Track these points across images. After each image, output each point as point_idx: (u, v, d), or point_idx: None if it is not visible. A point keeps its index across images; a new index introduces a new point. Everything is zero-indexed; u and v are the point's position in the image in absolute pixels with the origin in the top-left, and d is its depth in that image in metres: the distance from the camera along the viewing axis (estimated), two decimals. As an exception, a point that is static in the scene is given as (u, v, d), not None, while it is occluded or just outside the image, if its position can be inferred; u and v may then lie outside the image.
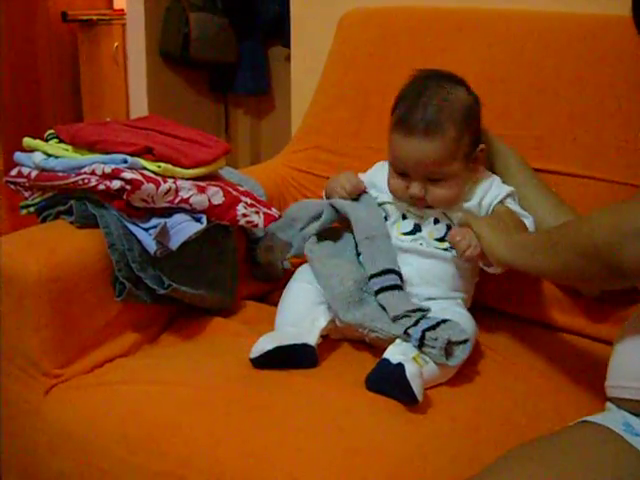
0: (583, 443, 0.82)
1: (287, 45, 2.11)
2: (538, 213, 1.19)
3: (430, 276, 1.16)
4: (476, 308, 1.20)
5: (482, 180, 1.21)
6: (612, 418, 0.86)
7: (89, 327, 1.13)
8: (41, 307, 1.07)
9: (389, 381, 0.98)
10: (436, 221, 1.19)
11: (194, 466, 0.92)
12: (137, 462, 0.96)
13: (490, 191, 1.20)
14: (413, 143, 1.13)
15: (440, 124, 1.12)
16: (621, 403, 0.89)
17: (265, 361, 1.05)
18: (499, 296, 1.31)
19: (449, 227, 1.18)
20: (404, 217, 1.21)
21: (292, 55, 2.03)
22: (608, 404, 0.92)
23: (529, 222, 1.17)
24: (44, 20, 4.24)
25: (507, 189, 1.20)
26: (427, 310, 1.08)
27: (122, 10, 3.84)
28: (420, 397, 0.96)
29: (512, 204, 1.19)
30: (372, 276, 1.14)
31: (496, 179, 1.22)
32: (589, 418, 0.88)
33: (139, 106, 3.15)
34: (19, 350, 1.09)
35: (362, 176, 1.30)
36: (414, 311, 1.07)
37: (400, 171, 1.17)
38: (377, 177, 1.27)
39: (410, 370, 0.96)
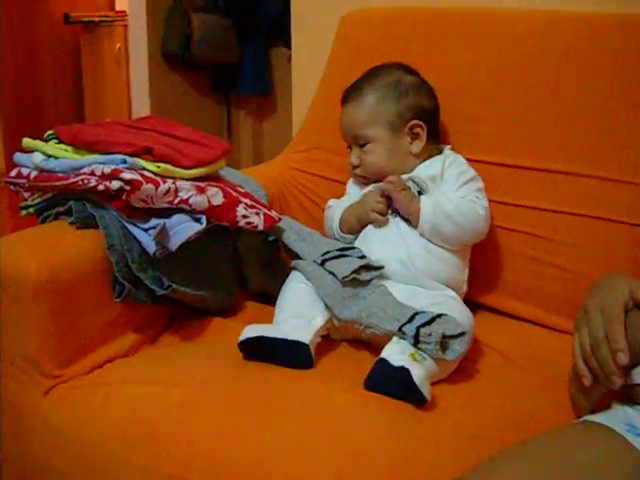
0: (582, 442, 0.81)
1: (290, 46, 2.11)
2: None
3: (419, 260, 1.18)
4: (473, 305, 1.21)
5: (430, 157, 1.29)
6: (614, 417, 0.85)
7: (89, 328, 1.13)
8: (41, 308, 1.07)
9: (393, 383, 0.97)
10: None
11: (194, 467, 0.91)
12: (137, 463, 0.96)
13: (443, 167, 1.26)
14: (343, 111, 1.32)
15: (360, 90, 1.30)
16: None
17: (250, 348, 1.06)
18: (497, 294, 1.32)
19: (420, 193, 1.23)
20: None
21: (293, 56, 2.03)
22: (613, 403, 0.91)
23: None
24: (46, 22, 4.24)
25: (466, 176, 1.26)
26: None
27: (124, 11, 3.84)
28: (429, 397, 0.96)
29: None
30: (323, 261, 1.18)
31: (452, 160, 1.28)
32: (590, 417, 0.87)
33: (141, 107, 3.15)
34: (19, 351, 1.09)
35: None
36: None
37: (346, 143, 1.33)
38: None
39: (417, 374, 0.96)
